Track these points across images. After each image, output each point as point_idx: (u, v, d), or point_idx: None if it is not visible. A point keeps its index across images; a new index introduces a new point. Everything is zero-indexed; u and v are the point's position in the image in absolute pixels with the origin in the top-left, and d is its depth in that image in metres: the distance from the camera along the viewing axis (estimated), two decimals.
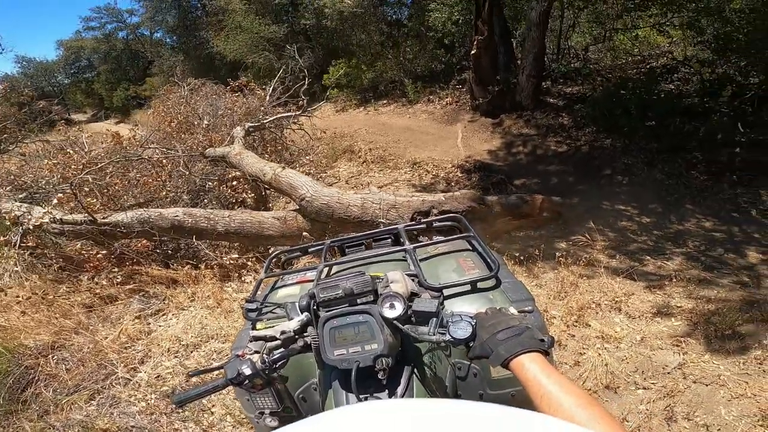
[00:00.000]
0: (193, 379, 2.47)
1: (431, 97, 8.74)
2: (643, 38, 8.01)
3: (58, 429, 2.49)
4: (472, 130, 7.08)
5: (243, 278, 3.80)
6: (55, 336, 3.15)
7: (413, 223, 1.46)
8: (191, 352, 3.09)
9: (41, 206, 4.00)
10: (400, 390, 0.80)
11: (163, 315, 3.48)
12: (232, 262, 3.90)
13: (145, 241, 3.84)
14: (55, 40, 32.92)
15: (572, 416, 0.59)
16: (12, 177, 4.89)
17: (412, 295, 0.90)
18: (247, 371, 0.83)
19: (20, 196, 4.39)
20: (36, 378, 2.82)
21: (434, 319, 0.82)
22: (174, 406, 0.62)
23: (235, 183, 4.34)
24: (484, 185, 5.17)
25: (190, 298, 3.62)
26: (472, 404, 0.54)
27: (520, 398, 0.94)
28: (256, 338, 0.92)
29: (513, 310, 0.86)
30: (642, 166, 5.04)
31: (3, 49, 10.00)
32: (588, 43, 8.61)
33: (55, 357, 2.98)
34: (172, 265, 3.90)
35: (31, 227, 3.65)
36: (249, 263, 3.95)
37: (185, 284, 3.71)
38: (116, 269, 3.77)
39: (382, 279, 0.91)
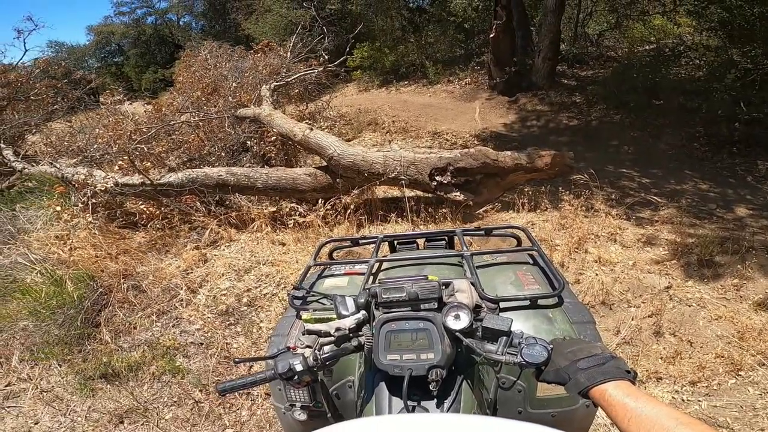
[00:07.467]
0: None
1: (451, 78, 9.13)
2: (658, 26, 8.20)
3: (126, 350, 2.78)
4: (489, 106, 7.52)
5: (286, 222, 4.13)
6: (124, 266, 3.45)
7: (471, 227, 1.42)
8: (243, 275, 3.50)
9: (101, 170, 4.36)
10: (448, 401, 0.77)
11: (217, 246, 3.89)
12: (271, 212, 4.22)
13: (192, 196, 4.23)
14: (86, 26, 33.63)
15: None
16: (66, 144, 5.31)
17: (477, 308, 0.86)
18: (299, 367, 0.81)
19: (73, 161, 4.76)
20: (109, 302, 3.10)
21: (504, 338, 0.77)
22: (218, 391, 0.83)
23: (273, 138, 4.83)
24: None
25: (240, 232, 4.01)
26: (511, 422, 0.51)
27: (561, 419, 0.94)
28: (309, 332, 0.89)
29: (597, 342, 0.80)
30: (647, 138, 5.43)
31: (36, 26, 10.58)
32: (603, 29, 8.92)
33: (126, 284, 3.27)
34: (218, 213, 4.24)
35: (98, 191, 4.04)
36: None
37: (235, 226, 4.09)
38: (167, 219, 4.15)
39: (448, 287, 0.87)
